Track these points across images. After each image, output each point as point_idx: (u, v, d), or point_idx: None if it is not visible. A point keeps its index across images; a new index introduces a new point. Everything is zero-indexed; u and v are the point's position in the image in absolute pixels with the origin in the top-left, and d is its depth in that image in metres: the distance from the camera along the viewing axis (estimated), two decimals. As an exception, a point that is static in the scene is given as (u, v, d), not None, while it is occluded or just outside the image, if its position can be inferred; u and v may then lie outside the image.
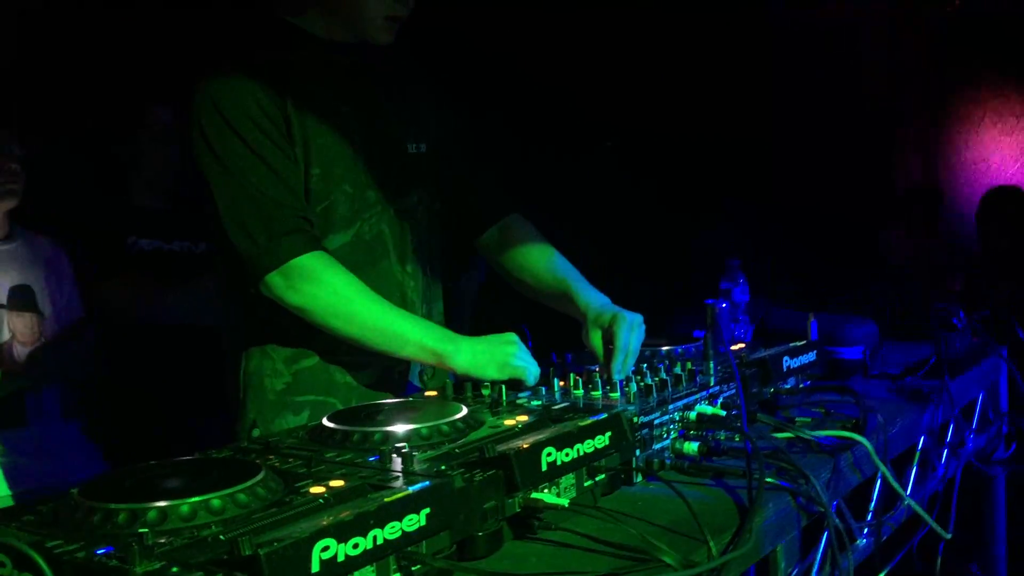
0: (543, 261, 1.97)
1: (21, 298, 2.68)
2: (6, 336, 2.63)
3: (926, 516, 1.78)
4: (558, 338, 1.97)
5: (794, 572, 1.50)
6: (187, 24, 3.53)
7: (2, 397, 2.60)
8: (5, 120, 2.73)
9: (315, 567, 0.93)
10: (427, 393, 1.78)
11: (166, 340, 2.99)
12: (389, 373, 1.91)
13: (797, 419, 1.77)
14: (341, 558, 0.96)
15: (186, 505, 1.05)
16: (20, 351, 2.65)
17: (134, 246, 3.04)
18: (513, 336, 1.71)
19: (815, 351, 2.03)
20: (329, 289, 1.72)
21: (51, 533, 1.03)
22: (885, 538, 1.85)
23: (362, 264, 1.81)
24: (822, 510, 1.46)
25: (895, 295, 2.74)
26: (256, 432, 1.82)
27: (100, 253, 2.96)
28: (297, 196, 1.77)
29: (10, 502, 2.56)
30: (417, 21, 1.87)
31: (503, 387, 1.62)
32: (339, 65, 1.86)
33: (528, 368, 1.68)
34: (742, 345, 2.09)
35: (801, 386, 1.98)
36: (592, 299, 1.85)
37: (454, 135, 2.04)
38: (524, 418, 1.47)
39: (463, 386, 1.69)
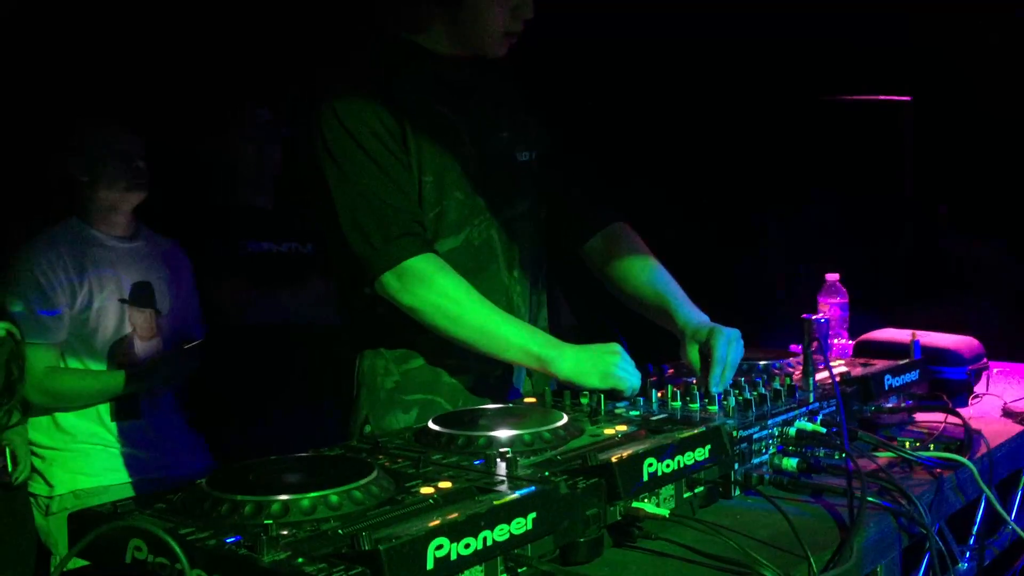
0: (644, 274, 1.99)
1: (142, 294, 2.81)
2: (127, 330, 2.77)
3: (1031, 543, 1.74)
4: (655, 350, 1.98)
5: (894, 593, 1.49)
6: (289, 27, 3.66)
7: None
8: (126, 120, 2.87)
9: (430, 564, 0.98)
10: (526, 400, 1.82)
11: (271, 338, 3.10)
12: (485, 378, 1.96)
13: (898, 439, 1.75)
14: (454, 557, 1.00)
15: (306, 500, 1.11)
16: (139, 346, 2.79)
17: (246, 248, 3.15)
18: (617, 346, 1.74)
19: (918, 370, 2.00)
20: (439, 291, 1.78)
21: (182, 521, 1.10)
22: (988, 563, 1.81)
23: (471, 269, 1.86)
24: (924, 532, 1.45)
25: (1003, 314, 2.67)
26: (368, 428, 1.90)
27: (215, 255, 3.08)
28: (411, 201, 1.84)
29: (129, 489, 2.69)
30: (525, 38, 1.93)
31: (602, 396, 1.65)
32: (452, 79, 1.92)
33: (629, 379, 1.71)
34: (842, 361, 2.07)
35: (902, 405, 1.96)
36: (691, 316, 1.87)
37: (560, 144, 2.09)
38: (623, 428, 1.49)
39: (562, 393, 1.72)
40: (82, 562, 1.16)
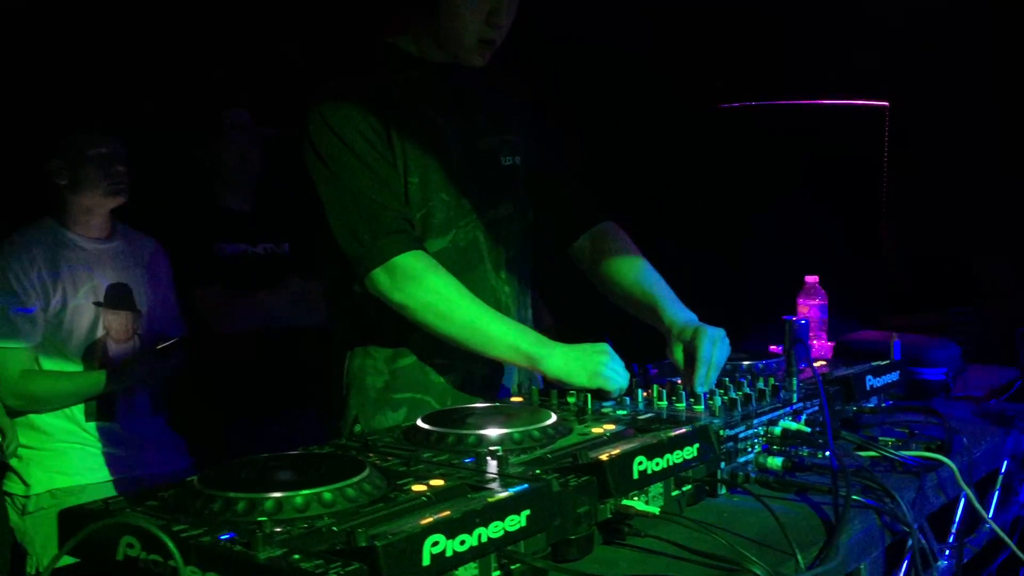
0: (632, 273, 2.01)
1: (117, 296, 2.79)
2: (100, 332, 2.74)
3: (1008, 540, 1.77)
4: (641, 351, 1.99)
5: (877, 590, 1.51)
6: (271, 30, 3.65)
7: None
8: (108, 124, 2.85)
9: (426, 560, 0.98)
10: (513, 399, 1.83)
11: (249, 340, 3.09)
12: (475, 377, 1.96)
13: (880, 438, 1.77)
14: (449, 553, 1.01)
15: (300, 497, 1.11)
16: (114, 348, 2.76)
17: (222, 250, 3.14)
18: (605, 346, 1.75)
19: (898, 371, 2.03)
20: (429, 288, 1.79)
21: (175, 518, 1.10)
22: (967, 560, 1.84)
23: (458, 270, 1.87)
24: (906, 530, 1.47)
25: (979, 317, 2.71)
26: (358, 428, 1.90)
27: (191, 258, 3.06)
28: (400, 200, 1.85)
29: (108, 488, 2.67)
30: (510, 37, 1.93)
31: (588, 395, 1.66)
32: (436, 81, 1.93)
33: (617, 379, 1.72)
34: (823, 363, 2.09)
35: (883, 405, 1.98)
36: (677, 315, 1.88)
37: (547, 146, 2.10)
38: (611, 427, 1.50)
39: (549, 392, 1.73)
40: (71, 560, 1.16)
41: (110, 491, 2.67)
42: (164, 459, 2.83)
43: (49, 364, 2.68)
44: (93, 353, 2.73)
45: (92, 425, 2.73)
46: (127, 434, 2.78)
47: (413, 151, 1.87)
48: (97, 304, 2.74)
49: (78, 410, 2.72)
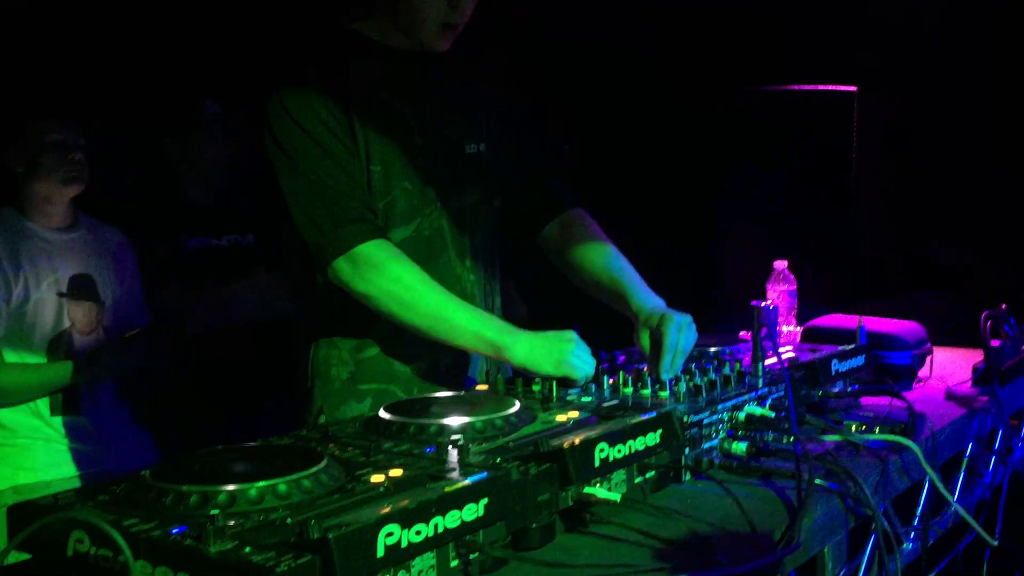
0: (600, 260, 1.99)
1: (81, 287, 2.74)
2: (65, 324, 2.70)
3: (973, 522, 1.78)
4: (610, 338, 1.99)
5: (841, 573, 1.51)
6: (238, 21, 3.61)
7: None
8: (66, 112, 2.80)
9: (380, 552, 0.97)
10: (478, 387, 1.82)
11: (217, 333, 3.06)
12: (437, 366, 1.95)
13: (845, 422, 1.78)
14: (404, 544, 0.99)
15: (254, 489, 1.09)
16: (78, 340, 2.72)
17: (186, 244, 3.10)
18: (572, 334, 1.74)
19: (864, 355, 2.04)
20: (392, 276, 1.77)
21: (126, 512, 1.08)
22: (932, 543, 1.85)
23: (422, 259, 1.85)
24: (870, 513, 1.47)
25: (945, 300, 2.72)
26: (323, 419, 1.88)
27: (156, 252, 3.03)
28: (362, 189, 1.83)
29: (73, 484, 2.63)
30: (475, 21, 1.91)
31: (554, 383, 1.65)
32: (399, 69, 1.91)
33: (582, 367, 1.71)
34: (790, 347, 2.09)
35: (849, 389, 1.99)
36: (645, 301, 1.87)
37: (512, 134, 2.08)
38: (575, 414, 1.50)
39: (514, 381, 1.72)
40: (23, 556, 1.13)
41: (75, 487, 2.63)
42: (130, 454, 2.79)
43: (13, 357, 2.64)
44: (58, 345, 2.69)
45: (57, 420, 2.69)
46: (92, 429, 2.74)
47: (375, 139, 1.84)
48: (60, 295, 2.69)
49: (43, 404, 2.67)
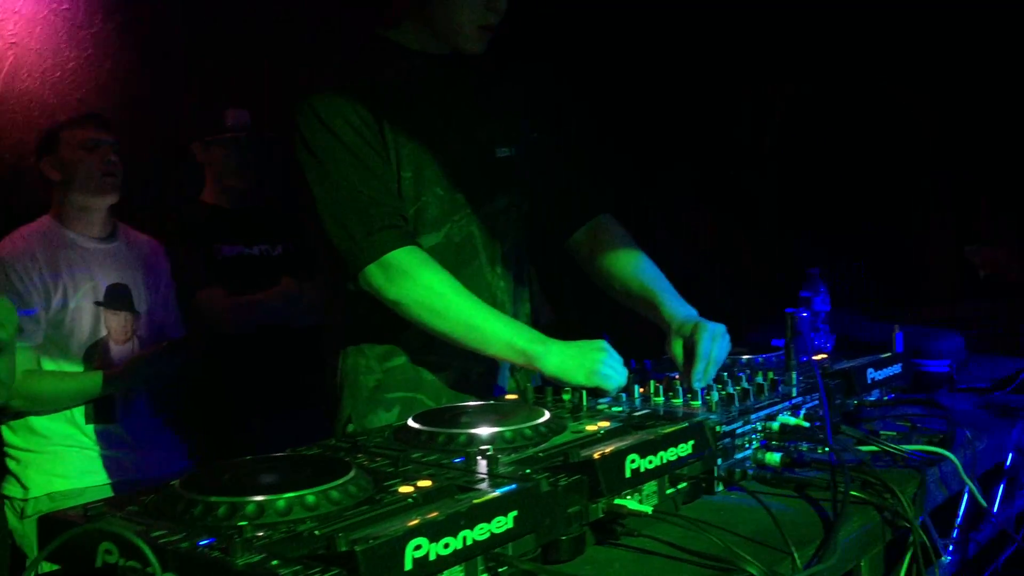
0: (631, 267, 1.97)
1: (117, 297, 2.77)
2: (102, 333, 2.73)
3: (1013, 535, 1.74)
4: (639, 347, 1.97)
5: (878, 587, 1.48)
6: (268, 28, 3.63)
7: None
8: (101, 120, 2.83)
9: (408, 565, 0.96)
10: (508, 396, 1.80)
11: (246, 341, 3.07)
12: (467, 375, 1.94)
13: (881, 432, 1.74)
14: (432, 557, 0.98)
15: (282, 500, 1.08)
16: (114, 349, 2.75)
17: (219, 252, 3.12)
18: (603, 343, 1.72)
19: (900, 363, 2.00)
20: (423, 284, 1.76)
21: (154, 523, 1.08)
22: (971, 556, 1.81)
23: (453, 265, 1.84)
24: (907, 526, 1.44)
25: (983, 309, 2.67)
26: (351, 427, 1.88)
27: (191, 260, 3.05)
28: (393, 195, 1.82)
29: (107, 491, 2.66)
30: (507, 25, 1.91)
31: (584, 392, 1.63)
32: (430, 74, 1.90)
33: (614, 377, 1.69)
34: (824, 356, 2.06)
35: (885, 399, 1.95)
36: (677, 310, 1.85)
37: (544, 138, 2.07)
38: (605, 424, 1.48)
39: (543, 390, 1.70)
40: (53, 566, 1.14)
41: (108, 494, 2.65)
42: (164, 461, 2.81)
43: (50, 365, 2.67)
44: (94, 354, 2.71)
45: (91, 428, 2.71)
46: (126, 436, 2.76)
47: (406, 145, 1.84)
48: (97, 304, 2.72)
49: (78, 412, 2.70)
